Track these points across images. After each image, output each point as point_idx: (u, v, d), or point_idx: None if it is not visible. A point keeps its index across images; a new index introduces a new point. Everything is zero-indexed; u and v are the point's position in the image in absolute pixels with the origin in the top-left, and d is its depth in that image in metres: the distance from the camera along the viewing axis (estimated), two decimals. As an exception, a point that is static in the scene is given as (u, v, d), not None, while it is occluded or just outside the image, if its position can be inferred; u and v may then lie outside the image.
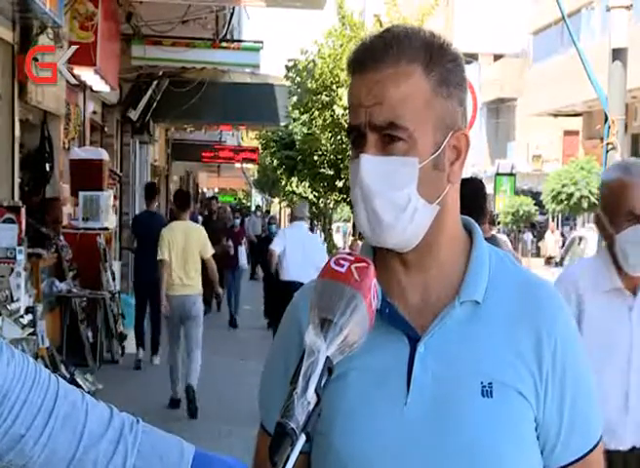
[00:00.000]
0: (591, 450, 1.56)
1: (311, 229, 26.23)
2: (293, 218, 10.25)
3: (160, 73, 14.82)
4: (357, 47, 1.53)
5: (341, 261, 1.35)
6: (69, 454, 1.33)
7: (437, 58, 1.50)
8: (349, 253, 1.38)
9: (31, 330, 7.49)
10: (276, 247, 9.54)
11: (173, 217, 10.02)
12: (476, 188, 4.55)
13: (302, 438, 1.23)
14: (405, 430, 1.48)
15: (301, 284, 8.32)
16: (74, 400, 1.37)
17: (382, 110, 1.46)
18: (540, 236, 37.13)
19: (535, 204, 33.40)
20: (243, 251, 17.17)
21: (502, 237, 9.60)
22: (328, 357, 1.28)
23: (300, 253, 9.32)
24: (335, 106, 19.48)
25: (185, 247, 8.95)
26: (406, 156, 1.47)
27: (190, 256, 8.94)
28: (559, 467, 1.55)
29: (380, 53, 1.48)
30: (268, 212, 39.11)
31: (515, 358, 1.50)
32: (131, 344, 11.46)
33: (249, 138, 32.40)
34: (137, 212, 15.23)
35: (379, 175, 1.47)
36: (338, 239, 35.91)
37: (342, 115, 19.27)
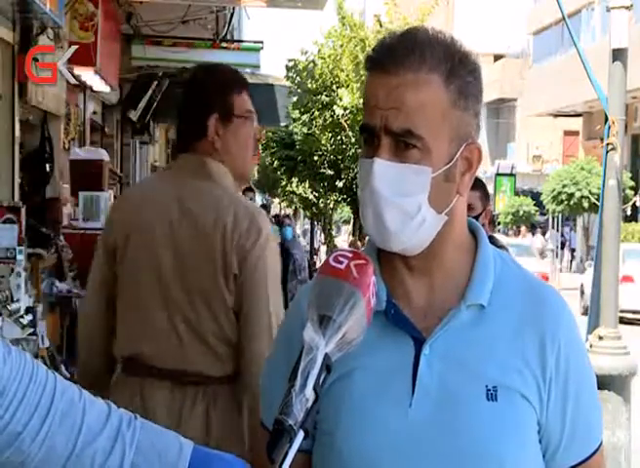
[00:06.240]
0: (592, 455, 1.56)
1: (312, 230, 26.21)
2: None
3: (160, 73, 14.82)
4: (378, 45, 1.51)
5: (340, 258, 1.35)
6: (67, 451, 1.33)
7: (457, 70, 1.48)
8: (348, 250, 1.38)
9: (31, 330, 7.48)
10: None
11: None
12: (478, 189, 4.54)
13: (301, 434, 1.23)
14: (409, 431, 1.47)
15: None
16: (72, 396, 1.36)
17: (399, 116, 1.45)
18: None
19: (535, 204, 33.37)
20: None
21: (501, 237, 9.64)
22: (326, 354, 1.28)
23: None
24: (335, 107, 19.47)
25: None
26: (419, 164, 1.46)
27: None
28: None
29: (402, 57, 1.46)
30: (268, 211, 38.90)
31: (520, 362, 1.50)
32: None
33: (249, 139, 32.31)
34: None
35: (390, 181, 1.46)
36: (340, 239, 35.81)
37: (342, 115, 19.27)
